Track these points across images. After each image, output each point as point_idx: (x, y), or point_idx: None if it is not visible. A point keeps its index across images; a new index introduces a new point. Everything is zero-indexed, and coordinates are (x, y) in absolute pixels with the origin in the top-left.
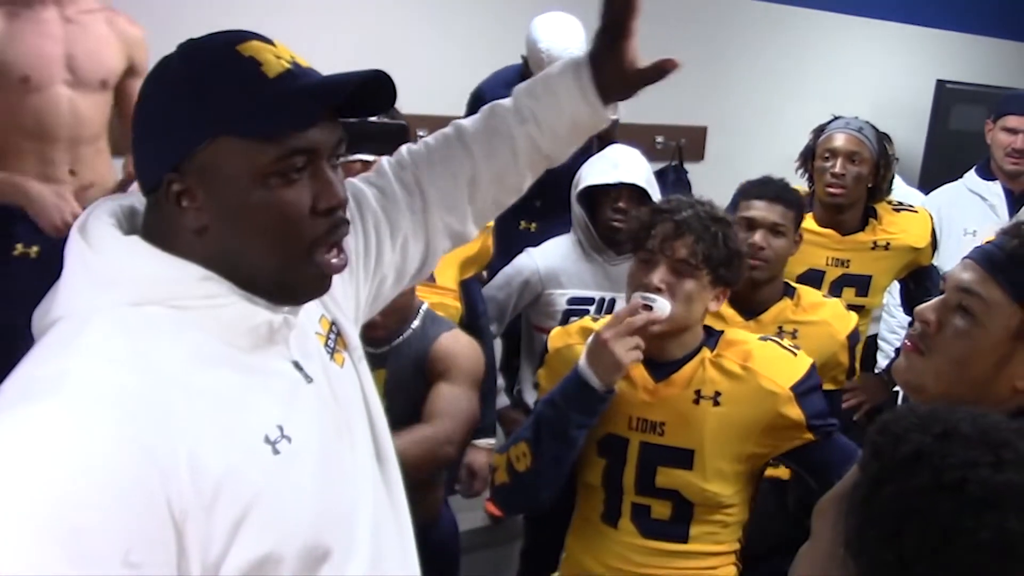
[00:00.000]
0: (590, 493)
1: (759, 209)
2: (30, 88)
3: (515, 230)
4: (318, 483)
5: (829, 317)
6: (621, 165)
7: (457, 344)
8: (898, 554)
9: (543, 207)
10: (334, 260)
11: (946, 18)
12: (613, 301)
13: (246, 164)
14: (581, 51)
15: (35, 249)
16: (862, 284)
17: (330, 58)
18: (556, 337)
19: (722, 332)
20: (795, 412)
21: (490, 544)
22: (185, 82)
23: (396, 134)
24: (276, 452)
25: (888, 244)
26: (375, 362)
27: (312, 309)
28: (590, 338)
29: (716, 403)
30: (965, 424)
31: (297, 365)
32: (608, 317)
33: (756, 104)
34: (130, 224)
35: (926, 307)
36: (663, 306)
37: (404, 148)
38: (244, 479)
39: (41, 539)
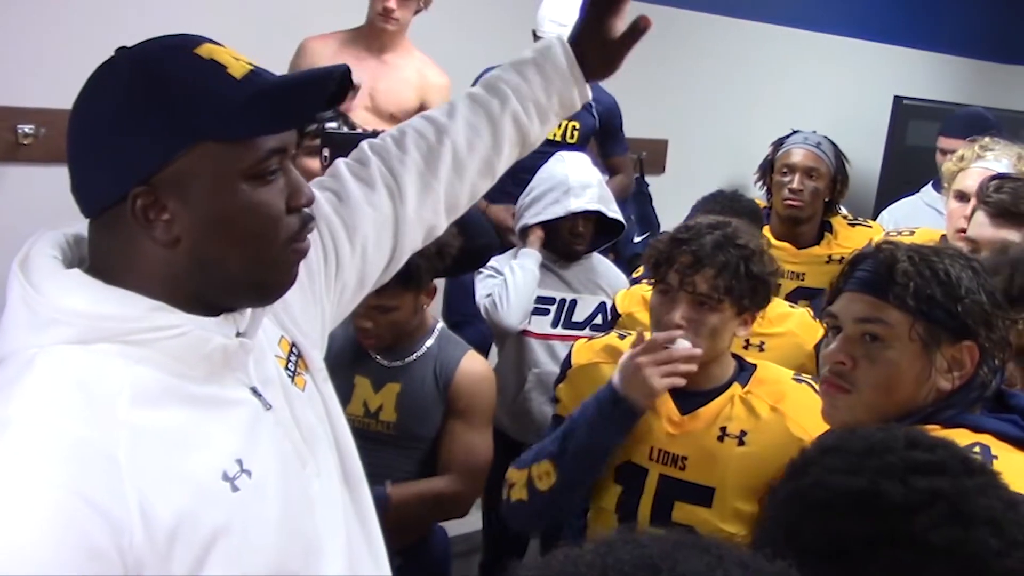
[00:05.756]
0: (603, 517)
1: None
2: None
3: None
4: (282, 514)
5: (795, 327)
6: (573, 187)
7: (477, 374)
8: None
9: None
10: (302, 247)
11: (904, 35)
12: (575, 302)
13: (226, 168)
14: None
15: None
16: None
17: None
18: (580, 352)
19: (755, 367)
20: None
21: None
22: (146, 92)
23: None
24: (235, 489)
25: (843, 258)
26: (387, 376)
27: (271, 331)
28: (623, 358)
29: (741, 442)
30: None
31: (256, 392)
32: (633, 336)
33: (716, 118)
34: (75, 254)
35: (833, 349)
36: (683, 348)
37: (365, 144)
38: (201, 520)
39: None
